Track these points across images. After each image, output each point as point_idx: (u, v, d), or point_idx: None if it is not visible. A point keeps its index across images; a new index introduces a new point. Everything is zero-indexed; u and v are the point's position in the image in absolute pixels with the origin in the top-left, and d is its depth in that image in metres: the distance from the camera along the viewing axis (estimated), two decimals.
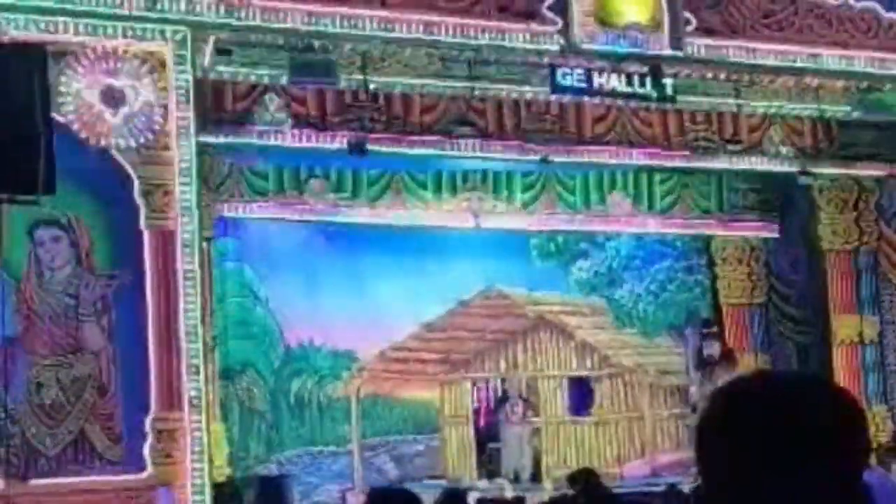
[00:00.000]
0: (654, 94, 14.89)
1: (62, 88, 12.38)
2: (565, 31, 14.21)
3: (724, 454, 1.85)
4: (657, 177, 18.64)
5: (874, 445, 16.49)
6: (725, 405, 1.89)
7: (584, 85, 14.53)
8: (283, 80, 14.23)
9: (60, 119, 12.00)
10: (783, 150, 16.93)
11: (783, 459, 1.81)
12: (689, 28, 14.78)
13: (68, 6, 12.47)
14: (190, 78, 13.03)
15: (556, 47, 14.31)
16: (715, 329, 19.45)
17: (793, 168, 17.17)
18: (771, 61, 15.38)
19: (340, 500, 17.34)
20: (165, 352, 12.64)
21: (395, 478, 17.44)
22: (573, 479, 11.66)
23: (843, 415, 1.86)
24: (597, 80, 14.55)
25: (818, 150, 17.16)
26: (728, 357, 18.60)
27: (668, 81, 14.85)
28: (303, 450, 17.68)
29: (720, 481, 1.86)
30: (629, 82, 14.66)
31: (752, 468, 1.82)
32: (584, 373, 19.49)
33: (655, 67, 14.67)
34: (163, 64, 12.90)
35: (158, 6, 12.73)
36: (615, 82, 14.63)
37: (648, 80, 14.69)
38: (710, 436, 1.89)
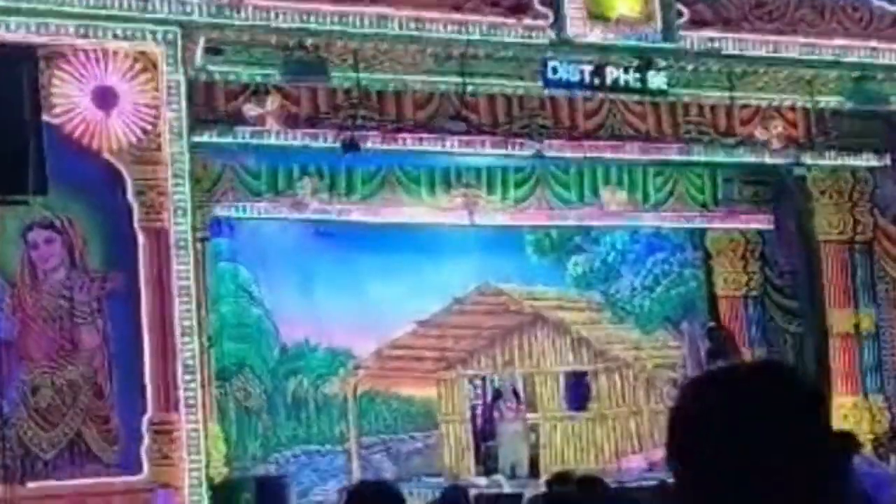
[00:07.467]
0: (647, 88, 14.87)
1: (53, 90, 12.34)
2: (557, 24, 14.18)
3: (696, 446, 1.86)
4: (651, 170, 18.60)
5: (871, 436, 16.52)
6: (693, 398, 1.91)
7: (576, 79, 14.50)
8: (275, 79, 14.20)
9: (52, 121, 11.99)
10: (777, 141, 16.91)
11: (755, 446, 1.83)
12: (682, 20, 14.75)
13: (58, 7, 12.42)
14: (181, 78, 13.00)
15: (547, 41, 14.29)
16: (713, 323, 19.35)
17: (787, 160, 17.16)
18: (764, 53, 15.36)
19: (338, 498, 17.31)
20: (161, 353, 12.61)
21: (392, 475, 17.40)
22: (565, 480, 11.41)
23: (807, 400, 1.88)
24: (589, 74, 14.52)
25: (812, 141, 17.13)
26: (728, 343, 18.39)
27: (660, 74, 14.83)
28: (300, 449, 17.66)
29: (693, 473, 1.87)
30: (622, 76, 14.64)
31: (724, 456, 1.83)
32: (580, 368, 19.49)
33: (648, 60, 14.65)
34: (154, 64, 12.86)
35: (149, 6, 12.69)
36: (607, 76, 14.60)
37: (641, 74, 14.67)
38: (681, 429, 1.90)
